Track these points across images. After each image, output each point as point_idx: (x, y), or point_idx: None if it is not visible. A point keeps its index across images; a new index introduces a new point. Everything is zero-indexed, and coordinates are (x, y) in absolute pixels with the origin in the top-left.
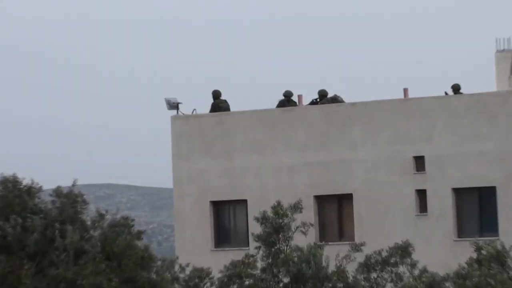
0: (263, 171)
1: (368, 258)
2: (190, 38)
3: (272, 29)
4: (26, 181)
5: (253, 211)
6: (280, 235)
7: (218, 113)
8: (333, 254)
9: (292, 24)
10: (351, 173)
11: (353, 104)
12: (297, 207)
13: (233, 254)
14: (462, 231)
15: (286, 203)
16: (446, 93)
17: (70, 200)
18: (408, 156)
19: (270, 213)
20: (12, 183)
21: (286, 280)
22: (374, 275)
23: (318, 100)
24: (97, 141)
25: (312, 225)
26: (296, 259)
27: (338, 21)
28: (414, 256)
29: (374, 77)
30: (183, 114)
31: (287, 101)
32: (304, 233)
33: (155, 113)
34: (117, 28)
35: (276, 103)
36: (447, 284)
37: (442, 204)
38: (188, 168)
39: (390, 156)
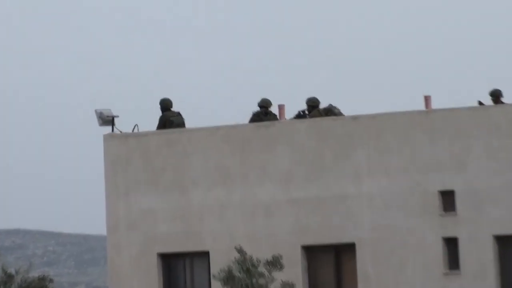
0: (230, 212)
1: None
2: (132, 31)
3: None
4: None
5: (217, 266)
6: None
7: (168, 130)
8: None
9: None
10: (353, 214)
11: (355, 117)
12: (276, 262)
13: None
14: None
15: (261, 256)
16: (480, 103)
17: None
18: (433, 191)
19: (238, 270)
20: None
21: None
22: None
23: (306, 112)
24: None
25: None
26: None
27: (329, 5)
28: None
29: (382, 82)
30: (121, 131)
31: (263, 113)
32: None
33: (82, 131)
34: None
35: (249, 116)
36: None
37: (480, 258)
38: (127, 208)
39: (407, 191)
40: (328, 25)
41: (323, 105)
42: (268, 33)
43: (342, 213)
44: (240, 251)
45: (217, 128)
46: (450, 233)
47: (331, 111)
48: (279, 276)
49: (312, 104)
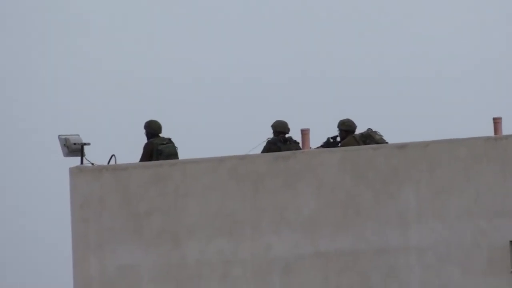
0: (237, 270)
1: None
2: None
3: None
4: None
5: None
6: None
7: (156, 162)
8: None
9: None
10: (398, 271)
11: (402, 146)
12: None
13: None
14: None
15: None
16: None
17: None
18: (503, 242)
19: None
20: None
21: None
22: None
23: (338, 139)
24: None
25: None
26: None
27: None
28: None
29: (437, 100)
30: (93, 164)
31: (281, 140)
32: None
33: (41, 163)
34: None
35: (262, 144)
36: None
37: None
38: (100, 264)
39: (470, 242)
40: (369, 28)
41: (360, 130)
42: (293, 36)
43: (384, 270)
44: None
45: (221, 160)
46: None
47: (370, 138)
48: None
49: (346, 128)
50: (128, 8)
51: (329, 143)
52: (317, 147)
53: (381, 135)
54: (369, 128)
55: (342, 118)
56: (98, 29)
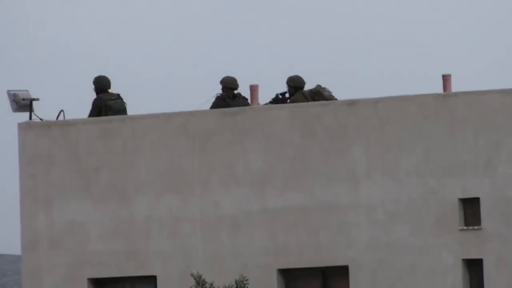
0: (186, 226)
1: None
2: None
3: None
4: None
5: None
6: None
7: (105, 118)
8: None
9: None
10: (346, 228)
11: (351, 102)
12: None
13: None
14: None
15: (226, 283)
16: None
17: None
18: (451, 199)
19: None
20: None
21: None
22: None
23: (287, 95)
24: None
25: None
26: None
27: None
28: None
29: (387, 56)
30: (41, 119)
31: (230, 96)
32: None
33: None
34: None
35: (211, 100)
36: None
37: (511, 285)
38: (49, 220)
39: (419, 199)
40: None
41: (309, 86)
42: None
43: (333, 227)
44: (196, 277)
45: (170, 116)
46: (473, 254)
47: (319, 94)
48: None
49: (295, 84)
50: None
51: (278, 99)
52: (266, 103)
53: (330, 92)
54: (318, 85)
55: (291, 75)
56: None
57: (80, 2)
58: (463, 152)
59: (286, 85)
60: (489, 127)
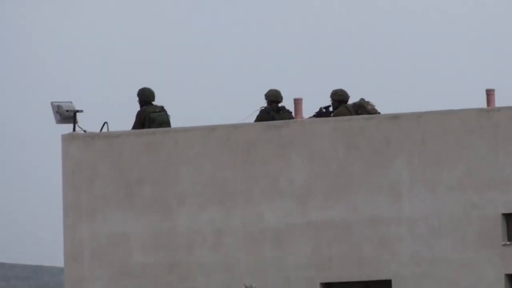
0: (228, 238)
1: None
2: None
3: None
4: None
5: None
6: None
7: (148, 130)
8: None
9: None
10: (389, 243)
11: (395, 116)
12: None
13: None
14: None
15: None
16: None
17: None
18: (494, 214)
19: None
20: None
21: None
22: None
23: (331, 109)
24: None
25: None
26: None
27: None
28: None
29: (431, 71)
30: (85, 131)
31: (274, 109)
32: None
33: (33, 129)
34: None
35: (256, 113)
36: None
37: None
38: (92, 232)
39: (461, 214)
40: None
41: (353, 100)
42: (282, 5)
43: (375, 241)
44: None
45: (213, 129)
46: None
47: (363, 108)
48: None
49: (339, 98)
50: None
51: (322, 113)
52: (310, 117)
53: (373, 106)
54: (362, 98)
55: (335, 88)
56: None
57: (125, 19)
58: (505, 167)
59: (330, 99)
60: None
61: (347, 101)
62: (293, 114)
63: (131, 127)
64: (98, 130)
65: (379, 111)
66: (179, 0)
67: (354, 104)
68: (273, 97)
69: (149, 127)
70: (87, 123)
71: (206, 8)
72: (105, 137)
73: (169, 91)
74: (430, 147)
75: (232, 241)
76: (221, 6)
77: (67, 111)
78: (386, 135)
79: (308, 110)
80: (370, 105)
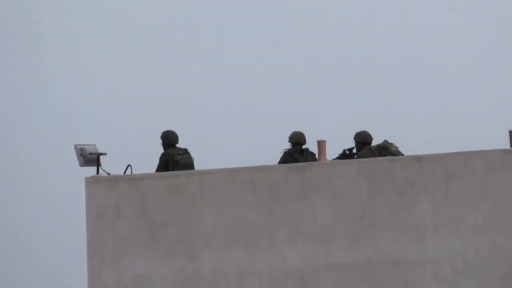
0: (253, 280)
1: None
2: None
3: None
4: None
5: None
6: None
7: (172, 173)
8: None
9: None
10: (413, 284)
11: (419, 158)
12: None
13: None
14: None
15: None
16: None
17: None
18: None
19: None
20: None
21: None
22: None
23: (354, 150)
24: None
25: None
26: None
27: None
28: None
29: (455, 111)
30: (109, 174)
31: (298, 151)
32: None
33: (56, 173)
34: None
35: (279, 155)
36: None
37: None
38: (116, 275)
39: (486, 255)
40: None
41: (376, 141)
42: (309, 42)
43: (399, 283)
44: None
45: (237, 171)
46: None
47: (386, 149)
48: None
49: (362, 140)
50: (132, 10)
51: (345, 155)
52: (333, 159)
53: (397, 147)
54: (385, 140)
55: (358, 130)
56: (110, 34)
57: (148, 61)
58: None
59: (354, 141)
60: None
61: (370, 143)
62: (316, 156)
63: (155, 169)
64: (122, 173)
65: (402, 152)
66: (203, 45)
67: (378, 146)
68: (297, 139)
69: (173, 169)
70: (111, 166)
71: (225, 60)
72: (129, 179)
73: (193, 134)
74: (454, 188)
75: (256, 284)
76: (243, 45)
77: (91, 154)
78: (410, 177)
79: (332, 152)
80: (394, 146)
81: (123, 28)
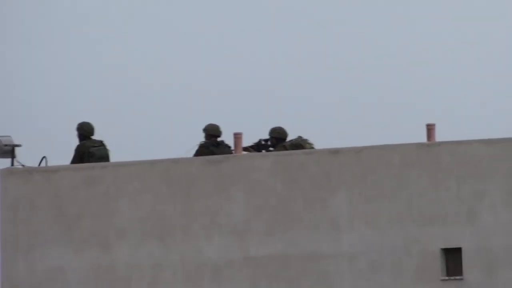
0: (167, 274)
1: None
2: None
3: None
4: None
5: None
6: None
7: (87, 165)
8: None
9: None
10: (328, 278)
11: (335, 151)
12: None
13: None
14: None
15: None
16: None
17: None
18: (433, 249)
19: None
20: None
21: None
22: None
23: (269, 142)
24: None
25: None
26: None
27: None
28: None
29: (371, 106)
30: (23, 165)
31: (214, 144)
32: None
33: None
34: None
35: (195, 147)
36: None
37: None
38: (29, 267)
39: (401, 248)
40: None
41: (291, 136)
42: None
43: (314, 276)
44: None
45: (153, 163)
46: None
47: (301, 147)
48: None
49: (277, 136)
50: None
51: (260, 145)
52: (248, 146)
53: (311, 144)
54: (300, 136)
55: (274, 126)
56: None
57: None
58: (445, 202)
59: (269, 136)
60: (472, 176)
61: (285, 139)
62: (232, 148)
63: (70, 161)
64: (36, 165)
65: (316, 147)
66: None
67: (292, 144)
68: (212, 132)
69: (88, 161)
70: (26, 157)
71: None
72: (43, 171)
73: (109, 125)
74: (370, 182)
75: (170, 276)
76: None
77: (6, 145)
78: (326, 170)
79: (249, 143)
80: (308, 143)
81: None
